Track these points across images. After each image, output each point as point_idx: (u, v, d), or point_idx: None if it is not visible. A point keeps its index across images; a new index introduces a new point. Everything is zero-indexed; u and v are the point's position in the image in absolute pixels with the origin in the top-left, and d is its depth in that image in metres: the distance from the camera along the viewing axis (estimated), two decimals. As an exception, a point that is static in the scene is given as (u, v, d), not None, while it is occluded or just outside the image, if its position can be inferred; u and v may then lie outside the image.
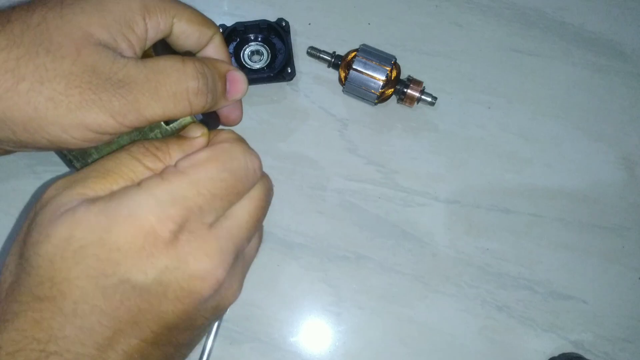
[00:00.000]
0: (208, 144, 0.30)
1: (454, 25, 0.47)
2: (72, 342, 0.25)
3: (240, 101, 0.37)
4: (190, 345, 0.30)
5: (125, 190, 0.26)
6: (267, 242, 0.43)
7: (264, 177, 0.31)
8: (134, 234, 0.25)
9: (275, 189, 0.33)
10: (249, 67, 0.44)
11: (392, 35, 0.46)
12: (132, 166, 0.28)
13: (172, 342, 0.28)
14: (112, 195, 0.26)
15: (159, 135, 0.31)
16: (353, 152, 0.44)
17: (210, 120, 0.35)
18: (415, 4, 0.47)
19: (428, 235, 0.44)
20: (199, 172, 0.27)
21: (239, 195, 0.28)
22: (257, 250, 0.33)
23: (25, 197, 0.42)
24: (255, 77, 0.43)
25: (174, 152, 0.29)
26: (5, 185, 0.42)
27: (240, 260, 0.30)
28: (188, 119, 0.32)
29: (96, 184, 0.27)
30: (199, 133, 0.30)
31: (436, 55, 0.46)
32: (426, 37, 0.47)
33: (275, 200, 0.32)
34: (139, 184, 0.27)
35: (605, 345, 0.43)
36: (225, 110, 0.36)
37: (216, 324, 0.40)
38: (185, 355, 0.30)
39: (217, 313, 0.29)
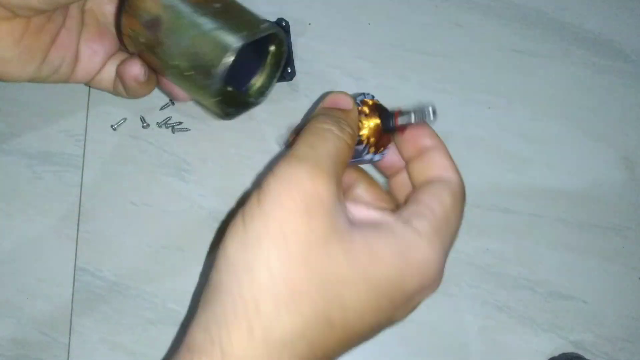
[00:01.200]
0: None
1: (454, 25, 0.47)
2: None
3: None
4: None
5: (406, 226, 0.29)
6: (267, 242, 0.43)
7: None
8: (409, 284, 0.28)
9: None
10: (249, 67, 0.44)
11: (392, 35, 0.46)
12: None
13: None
14: (392, 225, 0.29)
15: None
16: (353, 152, 0.44)
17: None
18: (415, 4, 0.47)
19: (428, 235, 0.44)
20: (443, 233, 0.29)
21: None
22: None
23: (25, 197, 0.42)
24: (255, 77, 0.43)
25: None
26: (5, 185, 0.42)
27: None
28: None
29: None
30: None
31: (436, 55, 0.46)
32: (426, 37, 0.47)
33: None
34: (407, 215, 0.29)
35: (605, 345, 0.43)
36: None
37: None
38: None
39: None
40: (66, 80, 0.38)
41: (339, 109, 0.31)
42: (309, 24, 0.46)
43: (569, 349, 0.43)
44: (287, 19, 0.44)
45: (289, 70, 0.44)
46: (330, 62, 0.45)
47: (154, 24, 0.32)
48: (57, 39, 0.35)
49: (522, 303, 0.43)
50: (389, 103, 0.45)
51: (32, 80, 0.36)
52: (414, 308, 0.30)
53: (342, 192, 0.28)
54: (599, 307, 0.43)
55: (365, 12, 0.47)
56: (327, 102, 0.32)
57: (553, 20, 0.48)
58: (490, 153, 0.45)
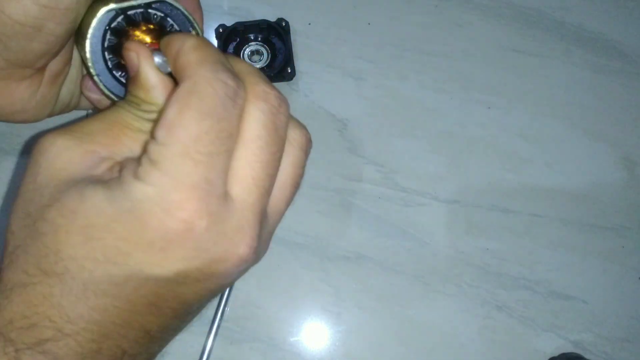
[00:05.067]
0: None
1: (454, 25, 0.47)
2: (87, 322, 0.23)
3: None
4: (206, 305, 0.28)
5: (127, 176, 0.23)
6: (267, 242, 0.43)
7: (255, 97, 0.25)
8: (140, 229, 0.22)
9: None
10: (249, 67, 0.44)
11: (392, 35, 0.46)
12: (134, 118, 0.26)
13: (193, 312, 0.27)
14: (117, 180, 0.23)
15: None
16: (353, 152, 0.44)
17: None
18: (415, 4, 0.47)
19: (428, 235, 0.44)
20: (179, 136, 0.22)
21: (231, 136, 0.23)
22: (287, 202, 0.29)
23: (26, 197, 0.42)
24: (255, 77, 0.43)
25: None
26: (5, 185, 0.42)
27: (265, 220, 0.27)
28: None
29: (104, 138, 0.25)
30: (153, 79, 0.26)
31: (436, 55, 0.46)
32: (426, 37, 0.47)
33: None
34: (138, 161, 0.23)
35: (605, 345, 0.43)
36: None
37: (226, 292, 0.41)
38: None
39: (241, 275, 0.27)
40: (75, 107, 0.37)
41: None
42: (309, 24, 0.46)
43: (569, 349, 0.43)
44: (287, 19, 0.44)
45: (289, 70, 0.44)
46: (330, 62, 0.45)
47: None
48: (67, 78, 0.34)
49: (522, 303, 0.43)
50: (388, 103, 0.46)
51: (45, 118, 0.35)
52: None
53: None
54: (599, 307, 0.44)
55: (365, 12, 0.47)
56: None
57: (553, 20, 0.48)
58: (490, 153, 0.45)
